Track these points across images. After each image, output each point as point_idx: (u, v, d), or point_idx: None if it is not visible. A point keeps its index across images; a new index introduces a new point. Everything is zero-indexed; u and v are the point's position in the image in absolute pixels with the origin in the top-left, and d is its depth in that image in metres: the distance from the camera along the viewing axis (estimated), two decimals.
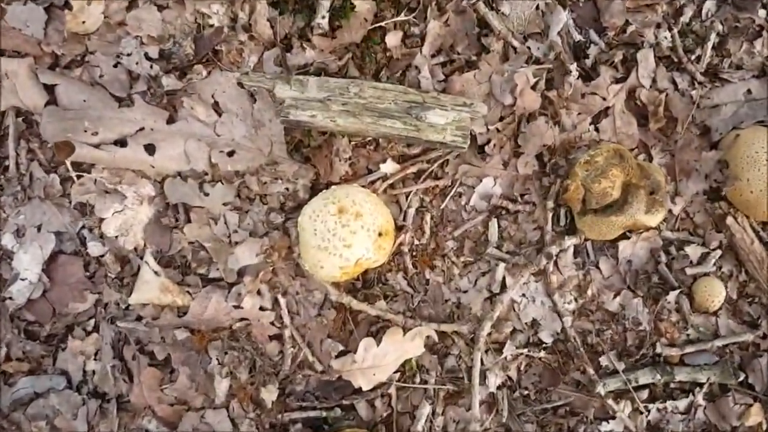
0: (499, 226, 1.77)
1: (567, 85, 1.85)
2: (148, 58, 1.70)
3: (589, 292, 1.80)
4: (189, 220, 1.70)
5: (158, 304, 1.68)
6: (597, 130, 1.80)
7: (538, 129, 1.87)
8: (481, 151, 1.77)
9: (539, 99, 1.87)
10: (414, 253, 1.86)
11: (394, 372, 1.65)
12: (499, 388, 1.72)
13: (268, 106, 1.72)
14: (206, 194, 1.69)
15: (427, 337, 1.69)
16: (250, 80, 1.67)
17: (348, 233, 1.52)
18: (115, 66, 1.71)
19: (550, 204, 1.72)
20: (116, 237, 1.70)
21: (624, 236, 1.73)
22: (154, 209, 1.74)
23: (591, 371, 1.81)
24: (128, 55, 1.84)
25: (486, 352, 1.80)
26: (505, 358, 1.74)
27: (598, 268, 1.76)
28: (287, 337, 1.69)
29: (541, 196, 1.73)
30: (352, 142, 1.88)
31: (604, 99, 1.89)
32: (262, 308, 1.71)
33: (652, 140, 1.79)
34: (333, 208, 1.61)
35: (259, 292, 1.69)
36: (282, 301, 1.70)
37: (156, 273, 1.75)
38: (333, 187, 1.65)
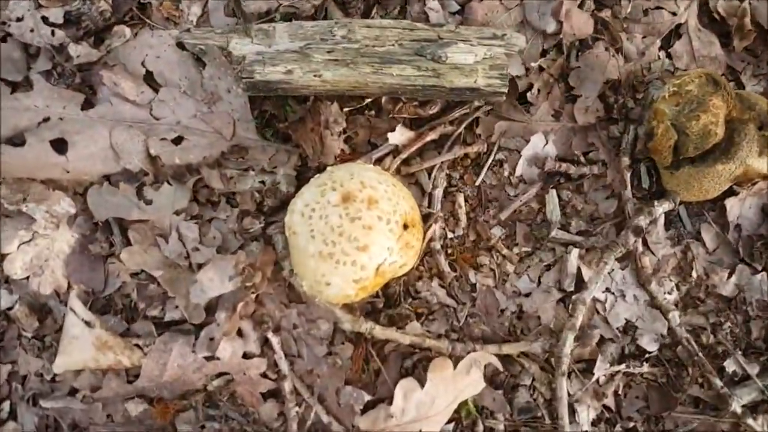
0: (560, 200, 1.43)
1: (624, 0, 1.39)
2: (47, 23, 1.33)
3: (694, 274, 1.32)
4: (128, 242, 1.25)
5: (96, 367, 1.30)
6: (669, 56, 1.44)
7: (595, 60, 1.39)
8: (523, 101, 1.44)
9: (591, 21, 1.38)
10: (449, 250, 1.42)
11: (447, 422, 1.27)
12: (594, 424, 1.28)
13: (224, 71, 1.25)
14: (148, 202, 1.33)
15: (486, 365, 1.33)
16: (194, 38, 1.20)
17: (360, 229, 1.15)
18: (3, 40, 1.30)
19: (626, 160, 1.39)
20: (27, 278, 1.20)
21: (727, 193, 1.36)
22: (77, 233, 1.37)
23: (717, 382, 1.30)
24: (19, 20, 1.31)
25: (569, 375, 1.28)
26: (597, 381, 1.27)
27: (698, 239, 1.40)
28: (288, 391, 1.19)
29: (611, 152, 1.40)
30: (346, 108, 1.36)
31: (674, 14, 1.42)
32: (247, 355, 1.32)
33: (739, 63, 1.44)
34: (334, 196, 1.10)
35: (240, 333, 1.32)
36: (274, 340, 1.20)
37: (88, 324, 1.31)
38: (329, 168, 1.13)
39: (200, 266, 1.27)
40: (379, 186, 1.21)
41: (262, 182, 1.35)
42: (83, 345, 1.30)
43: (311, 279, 1.18)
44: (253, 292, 1.27)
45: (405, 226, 1.22)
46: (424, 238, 1.34)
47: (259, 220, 1.32)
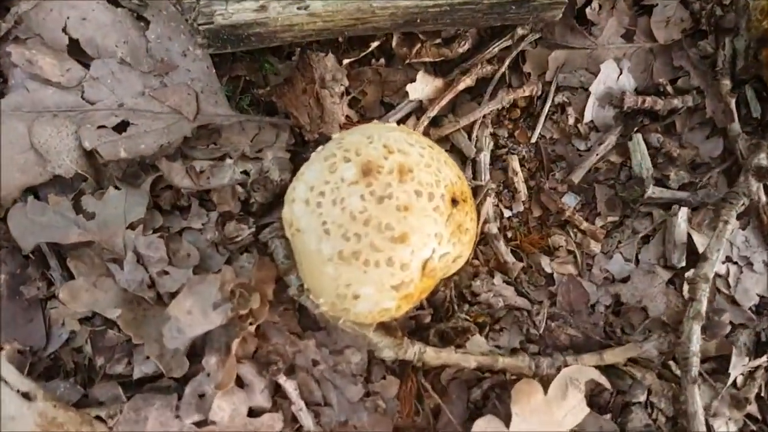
0: (648, 147, 1.12)
1: None
2: None
3: None
4: (70, 276, 1.00)
5: None
6: None
7: None
8: (582, 21, 1.13)
9: None
10: (509, 233, 1.12)
11: None
12: None
13: (175, 27, 0.99)
14: (90, 216, 1.01)
15: (586, 383, 0.98)
16: None
17: (394, 213, 0.84)
18: None
19: (727, 84, 1.09)
20: None
21: None
22: (3, 273, 1.02)
23: None
24: None
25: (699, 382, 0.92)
26: (734, 382, 0.86)
27: None
28: None
29: (706, 75, 1.11)
30: (346, 61, 1.01)
31: None
32: (254, 412, 0.98)
33: None
34: (350, 169, 0.84)
35: (240, 382, 0.98)
36: (289, 386, 0.90)
37: (27, 396, 0.94)
38: (337, 135, 0.95)
39: (172, 296, 0.91)
40: (411, 149, 0.86)
41: (245, 172, 1.01)
42: (23, 426, 0.93)
43: (331, 293, 0.85)
44: (251, 323, 0.92)
45: (454, 202, 0.87)
46: (478, 221, 0.98)
47: (248, 223, 0.98)
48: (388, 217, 0.82)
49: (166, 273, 0.96)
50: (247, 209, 1.02)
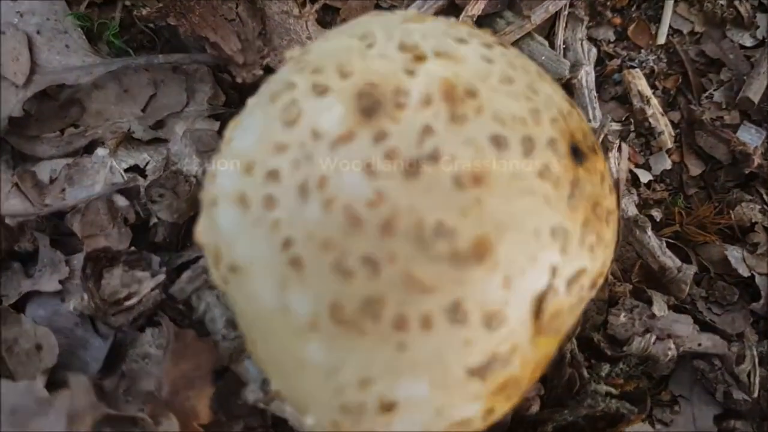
0: None
1: None
2: None
3: None
4: None
5: None
6: None
7: None
8: None
9: None
10: (655, 211, 0.62)
11: None
12: None
13: None
14: None
15: None
16: None
17: (448, 194, 0.36)
18: None
19: None
20: None
21: None
22: None
23: None
24: None
25: None
26: None
27: None
28: None
29: None
30: None
31: None
32: None
33: None
34: (331, 109, 0.38)
35: None
36: None
37: None
38: (297, 50, 0.44)
39: None
40: (465, 50, 0.37)
41: (135, 169, 0.51)
42: None
43: (328, 403, 0.38)
44: None
45: (576, 154, 0.37)
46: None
47: (148, 266, 0.47)
48: (435, 208, 0.35)
49: None
50: (146, 239, 0.54)
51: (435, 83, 0.39)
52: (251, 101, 0.47)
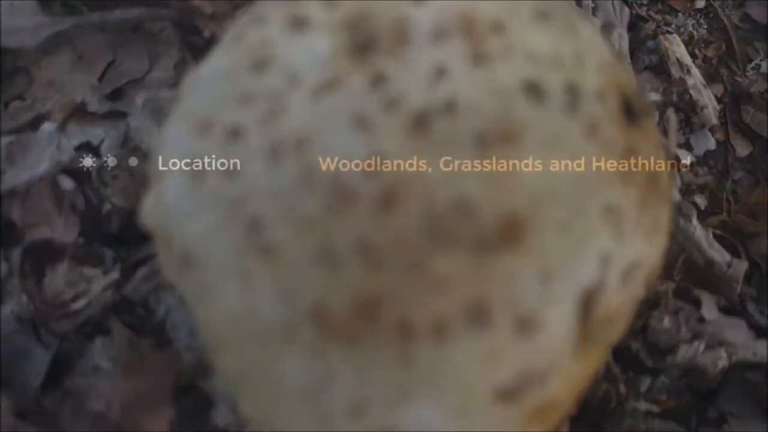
0: None
1: None
2: None
3: None
4: None
5: None
6: None
7: None
8: None
9: None
10: (699, 197, 0.54)
11: None
12: None
13: None
14: None
15: None
16: None
17: (466, 157, 0.28)
18: None
19: None
20: None
21: None
22: None
23: None
24: None
25: None
26: None
27: None
28: None
29: None
30: None
31: None
32: None
33: None
34: (317, 46, 0.28)
35: None
36: None
37: None
38: None
39: None
40: None
41: (86, 147, 0.44)
42: None
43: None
44: None
45: (629, 113, 0.28)
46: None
47: (100, 262, 0.40)
48: (450, 177, 0.26)
49: None
50: (97, 230, 0.46)
51: (450, 13, 0.30)
52: (216, 50, 0.39)
